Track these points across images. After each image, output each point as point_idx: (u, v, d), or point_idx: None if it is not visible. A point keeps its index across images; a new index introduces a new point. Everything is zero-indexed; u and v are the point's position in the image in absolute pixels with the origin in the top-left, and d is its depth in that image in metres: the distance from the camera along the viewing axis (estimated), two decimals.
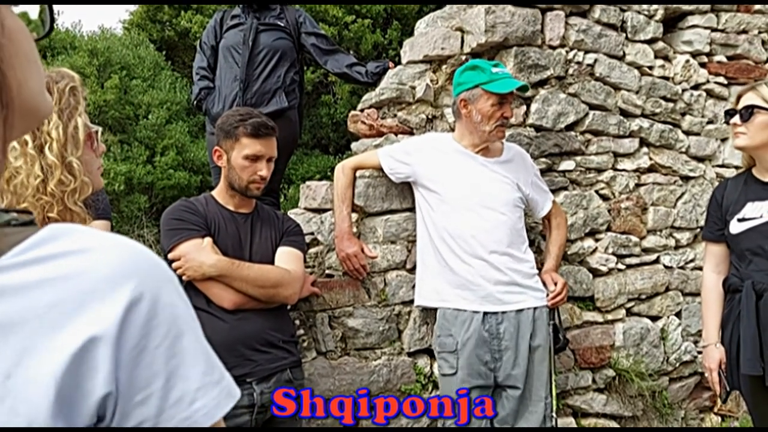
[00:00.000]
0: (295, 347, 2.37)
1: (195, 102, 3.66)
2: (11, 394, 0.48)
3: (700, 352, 3.55)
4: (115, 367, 0.52)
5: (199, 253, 2.14)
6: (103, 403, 0.52)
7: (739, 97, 2.45)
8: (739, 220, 2.40)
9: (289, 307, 2.45)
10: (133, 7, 8.35)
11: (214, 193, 2.37)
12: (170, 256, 2.16)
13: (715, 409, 3.61)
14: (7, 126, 0.60)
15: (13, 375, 0.49)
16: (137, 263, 0.56)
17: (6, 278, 0.52)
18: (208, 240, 2.19)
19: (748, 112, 2.36)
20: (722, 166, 3.65)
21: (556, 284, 2.72)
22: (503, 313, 2.58)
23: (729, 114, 2.46)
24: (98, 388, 0.51)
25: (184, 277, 2.13)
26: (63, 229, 0.57)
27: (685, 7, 3.50)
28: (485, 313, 2.58)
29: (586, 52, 3.22)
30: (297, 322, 2.69)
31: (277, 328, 2.26)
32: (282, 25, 3.58)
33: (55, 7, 0.73)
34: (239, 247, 2.26)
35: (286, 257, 2.32)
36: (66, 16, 23.23)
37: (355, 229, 2.83)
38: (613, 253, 3.33)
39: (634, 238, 3.40)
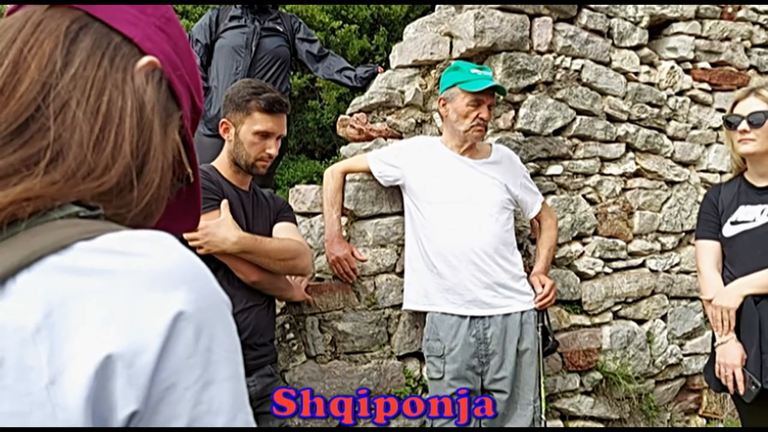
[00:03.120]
0: (272, 343, 2.34)
1: None
2: (52, 401, 0.47)
3: (686, 355, 3.60)
4: (148, 386, 0.49)
5: (220, 228, 2.02)
6: (130, 419, 0.49)
7: (735, 104, 2.39)
8: (732, 224, 2.39)
9: (281, 308, 2.43)
10: None
11: (215, 165, 2.24)
12: None
13: (701, 412, 3.65)
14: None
15: (57, 381, 0.47)
16: (197, 293, 0.53)
17: (79, 260, 0.50)
18: (226, 212, 2.07)
19: (760, 118, 2.30)
20: (706, 171, 3.70)
21: (543, 286, 2.73)
22: (490, 317, 2.58)
23: (731, 121, 2.37)
24: (127, 406, 0.49)
25: (200, 251, 2.03)
26: (149, 236, 0.55)
27: (670, 14, 3.55)
28: (472, 318, 2.58)
29: (574, 57, 3.26)
30: (287, 325, 2.68)
31: (266, 325, 2.24)
32: (281, 30, 3.58)
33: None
34: (244, 224, 2.16)
35: (289, 232, 2.27)
36: None
37: (345, 233, 2.83)
38: (600, 257, 3.36)
39: (621, 242, 3.43)
